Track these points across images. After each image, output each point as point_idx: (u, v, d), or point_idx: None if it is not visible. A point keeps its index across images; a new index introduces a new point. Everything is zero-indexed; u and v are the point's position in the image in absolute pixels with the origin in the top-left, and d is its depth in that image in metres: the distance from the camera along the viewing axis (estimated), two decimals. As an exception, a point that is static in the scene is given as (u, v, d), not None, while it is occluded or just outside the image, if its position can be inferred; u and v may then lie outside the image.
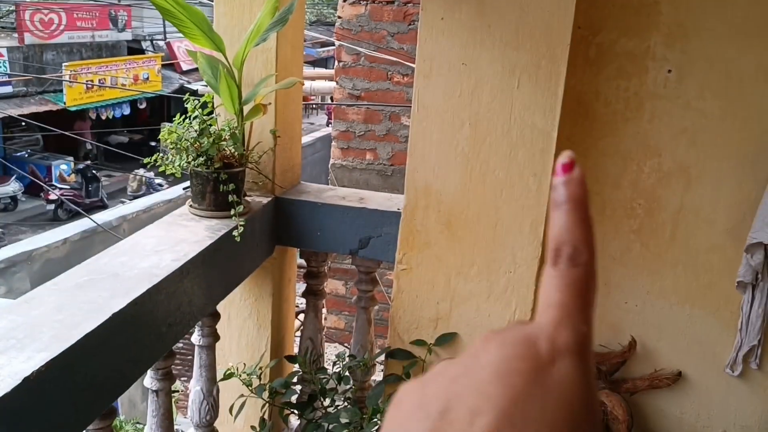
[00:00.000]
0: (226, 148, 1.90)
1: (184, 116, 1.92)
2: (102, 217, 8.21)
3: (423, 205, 2.05)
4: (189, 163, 1.86)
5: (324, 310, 5.38)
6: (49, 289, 1.41)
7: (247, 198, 2.09)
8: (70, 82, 14.62)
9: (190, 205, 1.96)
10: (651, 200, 2.15)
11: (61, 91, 15.05)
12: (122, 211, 8.94)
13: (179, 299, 1.60)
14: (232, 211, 1.85)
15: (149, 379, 1.76)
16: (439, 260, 2.09)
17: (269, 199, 2.14)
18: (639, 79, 2.08)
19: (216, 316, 2.02)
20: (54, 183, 15.08)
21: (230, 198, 1.87)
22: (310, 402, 2.17)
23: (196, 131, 1.86)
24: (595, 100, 2.13)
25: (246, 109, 1.91)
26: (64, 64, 15.08)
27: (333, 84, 4.82)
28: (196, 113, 1.88)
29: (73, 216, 13.67)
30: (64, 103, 15.12)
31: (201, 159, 1.84)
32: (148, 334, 1.47)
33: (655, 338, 2.23)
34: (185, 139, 1.84)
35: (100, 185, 15.21)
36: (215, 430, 2.14)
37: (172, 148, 1.87)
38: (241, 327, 2.32)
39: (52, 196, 14.22)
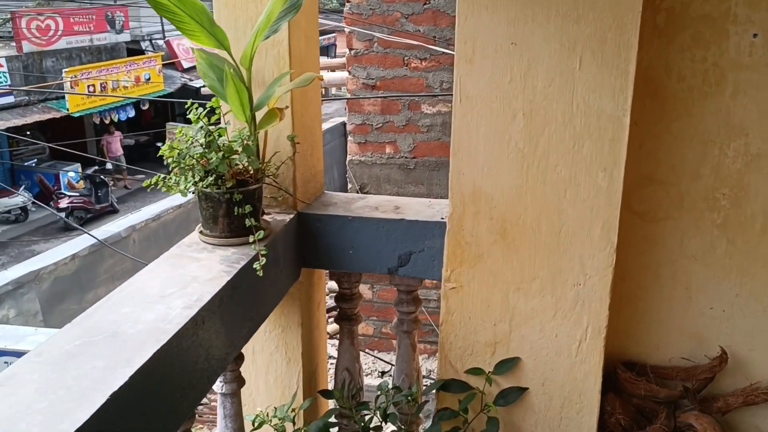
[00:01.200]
0: (239, 163, 1.60)
1: (187, 127, 1.62)
2: (110, 228, 7.96)
3: (472, 212, 1.75)
4: (196, 183, 1.56)
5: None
6: (31, 364, 1.12)
7: (266, 217, 1.79)
8: (72, 93, 14.34)
9: (201, 232, 1.66)
10: (737, 189, 1.82)
11: (63, 97, 14.79)
12: (131, 220, 8.68)
13: (194, 355, 1.31)
14: (251, 238, 1.55)
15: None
16: (494, 275, 1.78)
17: (291, 216, 1.84)
18: (718, 48, 1.75)
19: (240, 359, 1.73)
20: (63, 191, 14.88)
21: (247, 222, 1.57)
22: (353, 444, 1.89)
23: (202, 145, 1.56)
24: (665, 76, 1.80)
25: (259, 115, 1.61)
26: (64, 70, 14.81)
27: (344, 74, 4.50)
28: (201, 123, 1.58)
29: (85, 222, 13.47)
30: (68, 110, 14.87)
31: (210, 178, 1.55)
32: (157, 409, 1.18)
33: (748, 347, 1.92)
34: (190, 156, 1.54)
35: (109, 190, 14.99)
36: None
37: (175, 166, 1.57)
38: (268, 363, 2.03)
39: (63, 204, 14.03)
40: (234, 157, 1.59)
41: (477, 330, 1.84)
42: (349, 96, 4.17)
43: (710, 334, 1.94)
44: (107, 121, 16.24)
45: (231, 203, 1.58)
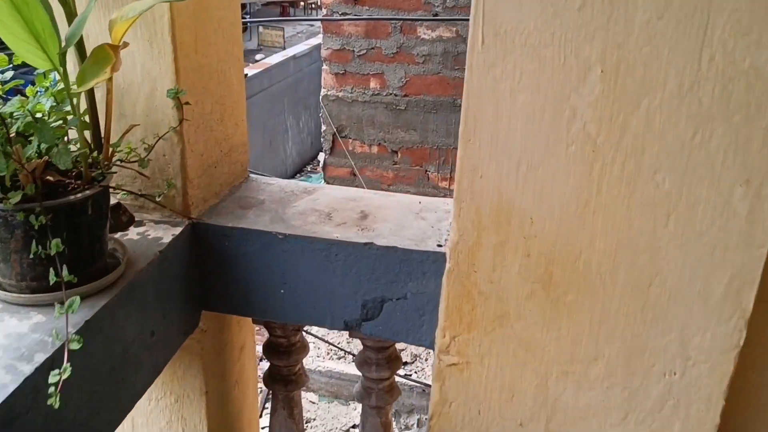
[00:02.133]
0: (48, 153, 0.81)
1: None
2: None
3: (494, 243, 0.98)
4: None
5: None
6: None
7: (129, 236, 1.01)
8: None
9: (-10, 276, 0.88)
10: None
11: None
12: None
13: None
14: (58, 308, 0.78)
15: None
16: (526, 348, 1.03)
17: (179, 229, 1.06)
18: None
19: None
20: None
21: (52, 275, 0.79)
22: None
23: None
24: None
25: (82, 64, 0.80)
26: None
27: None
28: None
29: None
30: None
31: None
32: None
33: None
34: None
35: None
36: None
37: None
38: (158, 443, 1.29)
39: None
40: (33, 140, 0.79)
41: (491, 430, 1.10)
42: (322, 15, 3.28)
43: None
44: None
45: (28, 231, 0.80)
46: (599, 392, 1.04)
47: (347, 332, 1.14)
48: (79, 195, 0.82)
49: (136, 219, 1.06)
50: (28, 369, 0.73)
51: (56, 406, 0.70)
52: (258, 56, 10.49)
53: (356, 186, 3.84)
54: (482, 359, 1.05)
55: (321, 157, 3.74)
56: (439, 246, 1.06)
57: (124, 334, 0.91)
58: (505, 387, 1.06)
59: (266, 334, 1.28)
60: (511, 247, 0.98)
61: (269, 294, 1.11)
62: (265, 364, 1.34)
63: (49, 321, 0.81)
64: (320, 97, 3.58)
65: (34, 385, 0.73)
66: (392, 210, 1.15)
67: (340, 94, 3.52)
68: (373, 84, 3.50)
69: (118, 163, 0.92)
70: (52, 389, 0.71)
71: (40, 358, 0.75)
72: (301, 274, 1.09)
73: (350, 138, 3.59)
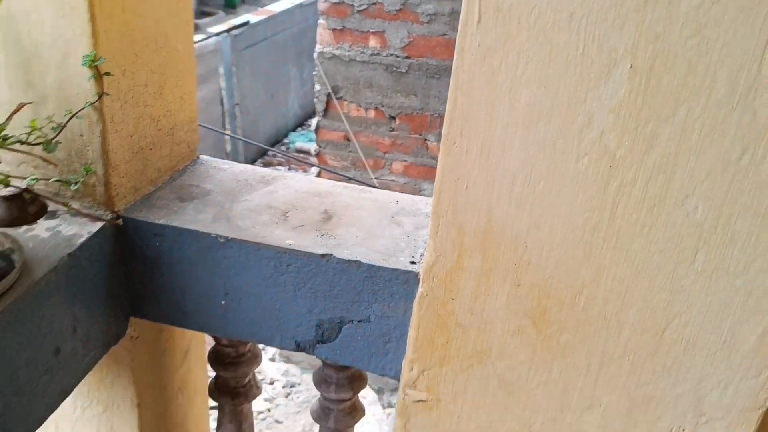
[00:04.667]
0: None
1: None
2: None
3: (478, 269, 0.80)
4: None
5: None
6: None
7: (37, 228, 0.83)
8: None
9: None
10: None
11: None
12: None
13: None
14: None
15: None
16: (508, 389, 0.86)
17: (99, 225, 0.87)
18: None
19: None
20: None
21: None
22: None
23: None
24: None
25: None
26: None
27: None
28: None
29: None
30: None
31: None
32: None
33: None
34: None
35: None
36: None
37: None
38: (84, 456, 1.13)
39: None
40: None
41: (461, 478, 0.93)
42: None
43: None
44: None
45: None
46: (593, 446, 0.87)
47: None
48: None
49: (48, 210, 0.88)
50: None
51: None
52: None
53: (350, 152, 3.63)
54: (455, 398, 0.88)
55: (314, 120, 3.51)
56: (413, 263, 0.87)
57: (13, 358, 0.73)
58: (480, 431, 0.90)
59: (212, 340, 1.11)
60: (499, 275, 0.80)
61: (208, 305, 0.93)
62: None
63: None
64: (315, 54, 3.34)
65: None
66: (363, 211, 0.96)
67: (337, 52, 3.28)
68: (373, 43, 3.25)
69: (11, 144, 0.73)
70: None
71: None
72: (246, 285, 0.91)
73: (346, 100, 3.36)
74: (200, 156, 1.08)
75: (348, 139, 3.49)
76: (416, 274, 0.85)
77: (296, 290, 0.90)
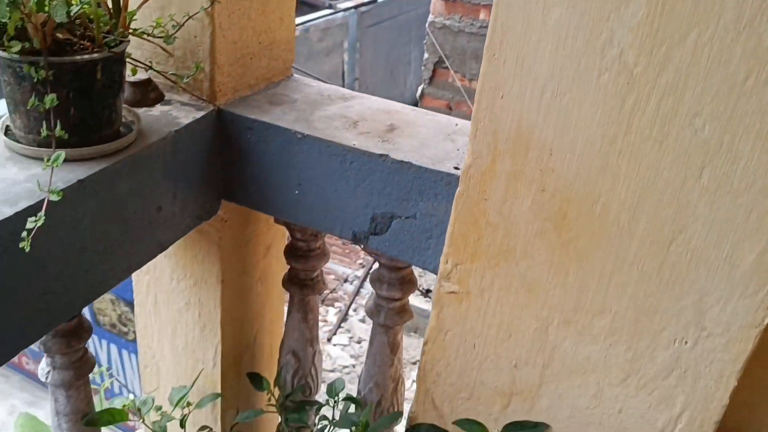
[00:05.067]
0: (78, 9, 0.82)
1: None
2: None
3: (508, 171, 0.91)
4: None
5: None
6: None
7: (153, 110, 1.03)
8: None
9: (7, 127, 0.93)
10: None
11: None
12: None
13: None
14: (45, 161, 0.80)
15: None
16: (529, 288, 0.97)
17: (202, 114, 1.06)
18: None
19: (80, 333, 1.06)
20: None
21: (44, 129, 0.82)
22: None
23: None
24: None
25: None
26: None
27: None
28: None
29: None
30: None
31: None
32: None
33: None
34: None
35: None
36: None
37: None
38: (176, 322, 1.35)
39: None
40: (47, -5, 0.80)
41: (485, 366, 1.06)
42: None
43: None
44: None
45: (32, 83, 0.82)
46: (601, 347, 0.97)
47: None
48: (85, 57, 0.83)
49: (165, 98, 1.08)
50: (9, 211, 0.77)
51: (27, 249, 0.73)
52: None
53: (451, 120, 3.75)
54: (482, 292, 1.01)
55: (419, 87, 3.67)
56: (456, 169, 1.00)
57: (124, 202, 0.93)
58: (503, 325, 1.02)
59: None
60: (526, 179, 0.91)
61: (284, 193, 1.10)
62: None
63: (46, 174, 0.83)
64: (427, 22, 3.48)
65: (12, 227, 0.76)
66: (423, 128, 1.10)
67: (447, 23, 3.40)
68: (483, 16, 3.34)
69: (140, 34, 0.92)
70: (24, 233, 0.74)
71: (23, 204, 0.78)
72: (316, 177, 1.07)
73: (451, 69, 3.49)
74: (294, 74, 1.25)
75: (451, 108, 3.61)
76: (458, 178, 0.98)
77: (356, 186, 1.05)
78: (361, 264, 6.46)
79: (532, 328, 1.00)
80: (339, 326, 5.54)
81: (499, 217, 0.95)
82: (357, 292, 6.00)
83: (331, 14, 8.19)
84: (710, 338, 0.91)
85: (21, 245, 0.74)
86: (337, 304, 5.86)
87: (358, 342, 4.95)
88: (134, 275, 1.32)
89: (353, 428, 1.17)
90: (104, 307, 3.47)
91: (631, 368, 0.97)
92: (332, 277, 5.77)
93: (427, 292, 4.15)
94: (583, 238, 0.92)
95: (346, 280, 6.25)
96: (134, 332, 4.66)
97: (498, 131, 0.90)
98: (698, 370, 0.93)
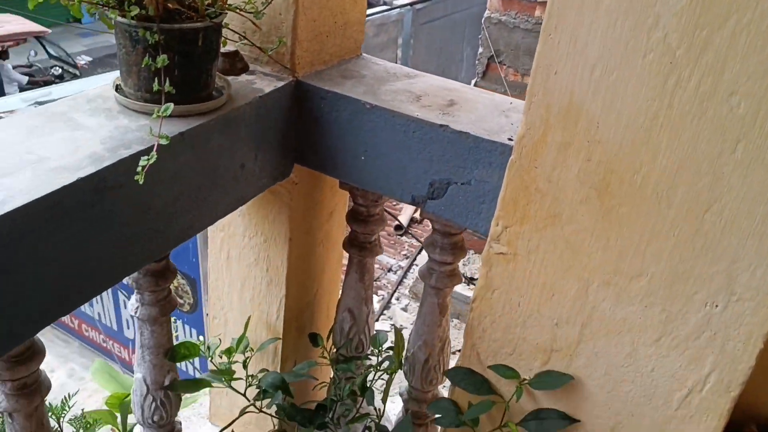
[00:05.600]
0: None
1: None
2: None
3: (558, 142, 1.01)
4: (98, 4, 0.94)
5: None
6: None
7: (239, 78, 1.16)
8: None
9: (118, 85, 1.06)
10: None
11: None
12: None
13: None
14: (156, 111, 0.93)
15: None
16: (573, 251, 1.07)
17: (283, 83, 1.19)
18: None
19: (166, 274, 1.19)
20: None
21: (155, 84, 0.95)
22: (319, 412, 1.35)
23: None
24: None
25: None
26: None
27: None
28: None
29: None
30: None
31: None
32: None
33: None
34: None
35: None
36: (175, 428, 1.39)
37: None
38: (245, 277, 1.48)
39: None
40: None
41: (528, 324, 1.16)
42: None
43: None
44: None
45: (146, 48, 0.95)
46: (637, 309, 1.06)
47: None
48: (191, 25, 0.96)
49: (249, 69, 1.20)
50: (126, 153, 0.90)
51: (141, 181, 0.86)
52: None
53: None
54: (529, 254, 1.11)
55: (472, 81, 3.77)
56: (510, 140, 1.10)
57: (215, 157, 1.06)
58: (547, 285, 1.11)
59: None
60: (574, 149, 1.01)
61: (351, 159, 1.22)
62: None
63: (154, 124, 0.96)
64: (483, 18, 3.57)
65: (127, 166, 0.89)
66: (480, 104, 1.20)
67: (503, 18, 3.48)
68: (539, 12, 3.42)
69: (235, 9, 1.05)
70: (139, 169, 0.87)
71: (136, 147, 0.91)
72: (380, 144, 1.18)
73: (504, 64, 3.57)
74: (363, 54, 1.37)
75: (502, 102, 3.69)
76: (511, 148, 1.08)
77: (417, 153, 1.16)
78: (405, 255, 6.58)
79: (573, 289, 1.09)
80: (381, 313, 5.66)
81: (547, 184, 1.05)
82: (400, 282, 6.11)
83: (386, 10, 8.31)
84: (740, 302, 0.99)
85: (135, 178, 0.87)
86: (380, 292, 5.98)
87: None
88: (210, 232, 1.45)
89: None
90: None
91: (664, 329, 1.05)
92: (377, 266, 5.91)
93: (471, 280, 4.23)
94: (624, 206, 1.01)
95: (390, 270, 6.37)
96: (189, 304, 4.85)
97: (550, 105, 0.99)
98: (727, 333, 1.01)
